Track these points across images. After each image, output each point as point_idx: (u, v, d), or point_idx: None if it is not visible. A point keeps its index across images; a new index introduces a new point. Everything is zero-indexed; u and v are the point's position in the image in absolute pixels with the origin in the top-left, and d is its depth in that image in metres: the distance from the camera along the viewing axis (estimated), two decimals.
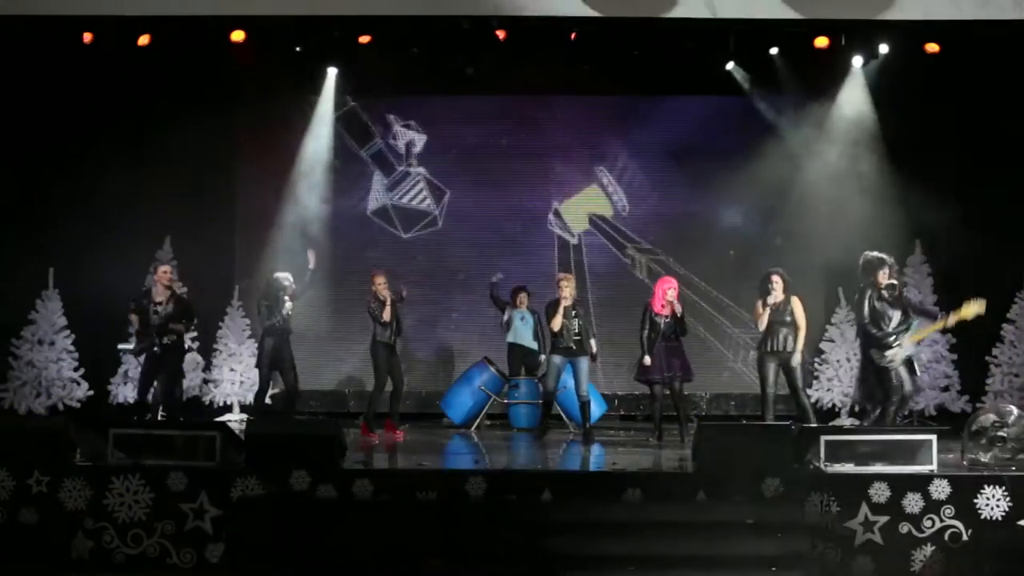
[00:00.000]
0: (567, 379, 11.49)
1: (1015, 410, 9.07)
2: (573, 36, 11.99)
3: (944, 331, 9.53)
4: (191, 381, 12.97)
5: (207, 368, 13.29)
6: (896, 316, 10.05)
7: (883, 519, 8.32)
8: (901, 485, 8.36)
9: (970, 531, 8.34)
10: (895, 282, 10.19)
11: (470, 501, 8.44)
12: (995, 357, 12.66)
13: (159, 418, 11.16)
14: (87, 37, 11.73)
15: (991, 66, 11.98)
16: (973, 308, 9.96)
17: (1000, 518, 8.32)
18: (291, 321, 11.47)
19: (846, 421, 12.70)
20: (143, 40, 11.84)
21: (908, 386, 10.17)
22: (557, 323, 11.09)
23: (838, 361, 13.04)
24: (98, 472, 8.55)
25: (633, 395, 13.23)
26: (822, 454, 8.53)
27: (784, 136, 13.10)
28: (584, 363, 11.20)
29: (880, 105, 12.78)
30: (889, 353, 9.96)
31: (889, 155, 12.79)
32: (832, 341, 13.20)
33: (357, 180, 13.89)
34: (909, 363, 10.22)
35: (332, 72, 13.13)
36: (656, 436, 11.17)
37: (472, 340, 13.62)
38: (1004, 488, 8.35)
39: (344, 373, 13.73)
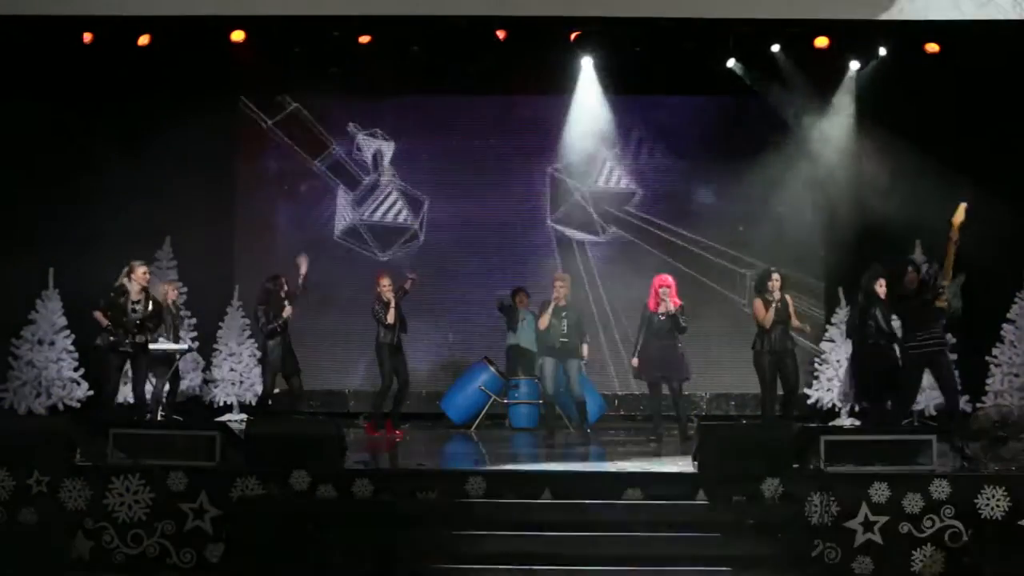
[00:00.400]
0: (563, 379, 11.49)
1: (1015, 410, 9.06)
2: (573, 37, 11.98)
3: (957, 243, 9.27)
4: (191, 381, 12.96)
5: (207, 368, 13.29)
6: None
7: (883, 519, 8.30)
8: (901, 485, 8.33)
9: (970, 531, 8.31)
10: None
11: (470, 501, 8.45)
12: (995, 357, 12.66)
13: (158, 418, 11.15)
14: (87, 37, 11.76)
15: (991, 66, 11.97)
16: (960, 213, 9.73)
17: (1000, 518, 8.31)
18: (290, 323, 11.46)
19: (846, 421, 12.71)
20: (143, 40, 11.87)
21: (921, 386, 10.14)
22: (544, 321, 11.09)
23: (838, 361, 13.04)
24: (98, 472, 8.54)
25: (633, 395, 13.23)
26: (822, 454, 8.53)
27: (784, 134, 13.09)
28: (574, 364, 11.20)
29: (880, 105, 12.78)
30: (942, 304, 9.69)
31: (889, 155, 12.78)
32: (832, 341, 13.20)
33: (320, 198, 13.69)
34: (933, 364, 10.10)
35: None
36: (656, 436, 11.17)
37: (472, 340, 13.62)
38: (1004, 488, 8.34)
39: (344, 373, 13.73)
